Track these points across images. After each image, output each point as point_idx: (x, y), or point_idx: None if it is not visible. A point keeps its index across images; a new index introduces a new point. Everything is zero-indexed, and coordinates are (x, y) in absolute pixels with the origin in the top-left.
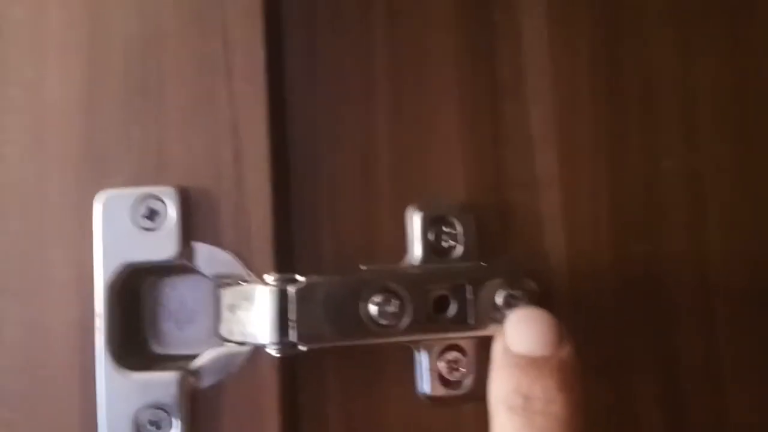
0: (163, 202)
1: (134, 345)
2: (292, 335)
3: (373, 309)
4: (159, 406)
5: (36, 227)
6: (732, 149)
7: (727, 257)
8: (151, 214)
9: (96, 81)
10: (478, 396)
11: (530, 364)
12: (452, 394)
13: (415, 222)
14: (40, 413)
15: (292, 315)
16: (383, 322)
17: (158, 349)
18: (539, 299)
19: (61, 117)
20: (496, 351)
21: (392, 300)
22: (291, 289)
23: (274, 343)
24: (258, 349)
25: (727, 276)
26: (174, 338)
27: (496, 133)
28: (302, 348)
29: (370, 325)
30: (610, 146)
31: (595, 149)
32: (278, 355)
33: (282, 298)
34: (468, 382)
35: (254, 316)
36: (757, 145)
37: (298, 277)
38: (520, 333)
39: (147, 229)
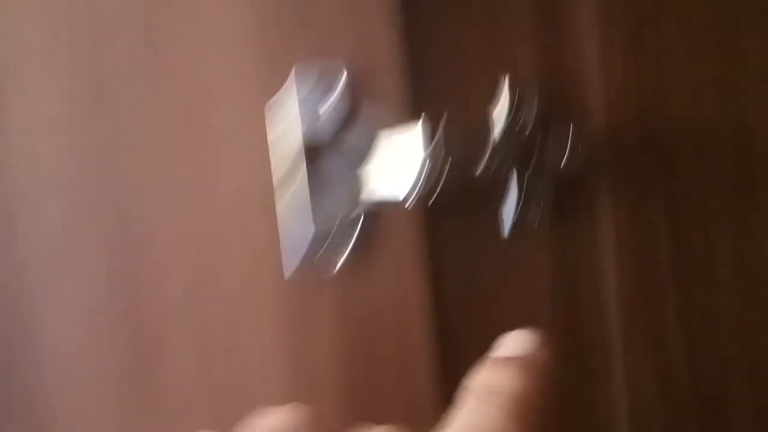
0: (331, 79)
1: None
2: (423, 192)
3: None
4: None
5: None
6: None
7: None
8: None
9: None
10: None
11: (497, 361)
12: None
13: (501, 98)
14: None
15: (422, 173)
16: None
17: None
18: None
19: (231, 26)
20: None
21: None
22: (424, 151)
23: (409, 199)
24: (398, 206)
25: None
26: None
27: (556, 30)
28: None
29: (481, 181)
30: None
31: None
32: (415, 209)
33: (419, 162)
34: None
35: (392, 176)
36: None
37: (430, 142)
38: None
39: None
